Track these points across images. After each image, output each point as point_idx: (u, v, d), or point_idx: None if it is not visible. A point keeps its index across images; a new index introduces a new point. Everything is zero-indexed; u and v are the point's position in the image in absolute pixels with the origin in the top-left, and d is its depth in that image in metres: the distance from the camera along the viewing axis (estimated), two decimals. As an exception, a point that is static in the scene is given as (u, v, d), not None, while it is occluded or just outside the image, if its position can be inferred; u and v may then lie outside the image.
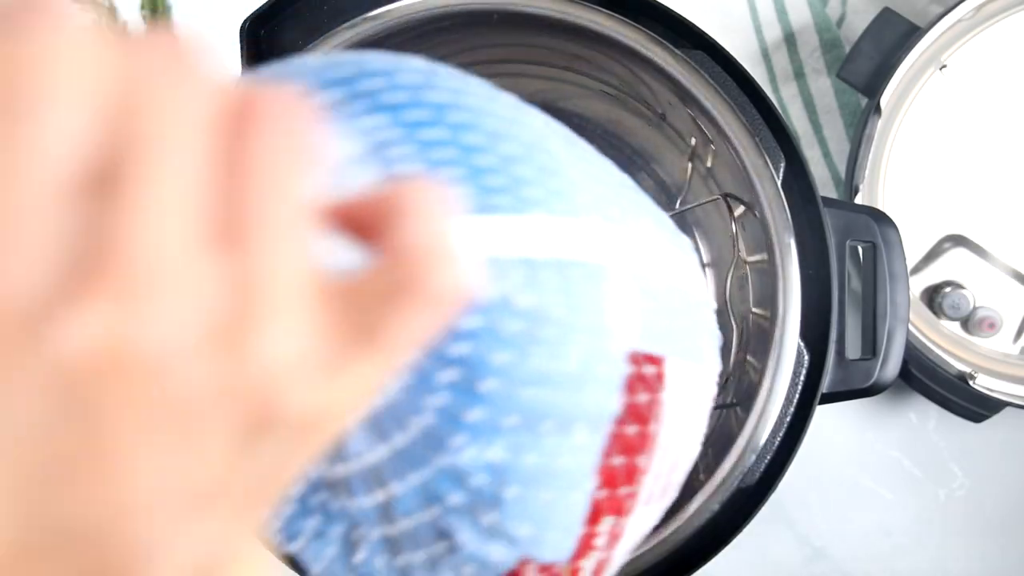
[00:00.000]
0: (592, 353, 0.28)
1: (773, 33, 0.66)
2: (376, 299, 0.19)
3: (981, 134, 0.60)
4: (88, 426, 0.16)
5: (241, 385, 0.17)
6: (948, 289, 0.60)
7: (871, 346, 0.49)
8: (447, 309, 0.19)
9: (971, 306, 0.60)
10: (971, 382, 0.59)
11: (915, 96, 0.60)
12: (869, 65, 0.59)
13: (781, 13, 0.66)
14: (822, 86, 0.66)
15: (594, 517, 0.30)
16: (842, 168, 0.66)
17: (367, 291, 0.19)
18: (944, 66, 0.59)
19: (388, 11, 0.48)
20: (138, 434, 0.16)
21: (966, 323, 0.61)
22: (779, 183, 0.47)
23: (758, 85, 0.48)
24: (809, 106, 0.66)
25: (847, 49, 0.65)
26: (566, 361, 0.28)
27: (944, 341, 0.60)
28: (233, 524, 0.19)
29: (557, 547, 0.30)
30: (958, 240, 0.60)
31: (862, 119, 0.60)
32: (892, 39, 0.59)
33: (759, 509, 0.46)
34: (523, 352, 0.27)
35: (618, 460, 0.30)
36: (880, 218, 0.49)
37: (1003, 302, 0.61)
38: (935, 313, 0.60)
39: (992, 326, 0.60)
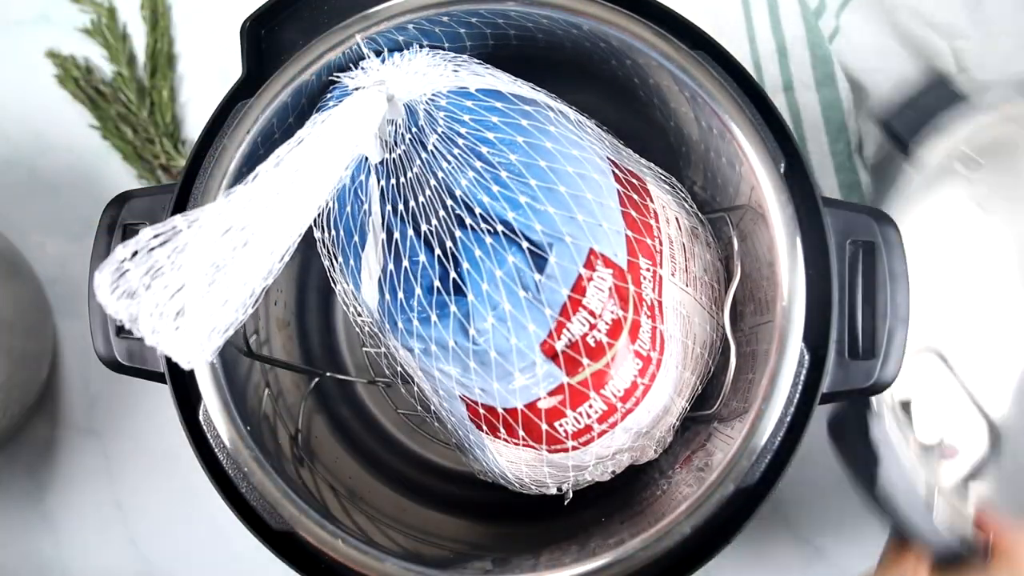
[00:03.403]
0: None
1: (767, 47, 0.67)
2: None
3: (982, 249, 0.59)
4: None
5: None
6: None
7: (871, 346, 0.49)
8: None
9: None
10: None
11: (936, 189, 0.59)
12: (917, 123, 0.57)
13: (775, 26, 0.67)
14: (809, 100, 0.67)
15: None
16: (823, 182, 0.66)
17: None
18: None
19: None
20: None
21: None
22: (784, 179, 0.47)
23: (758, 84, 0.48)
24: (796, 119, 0.67)
25: (836, 66, 0.65)
26: None
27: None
28: None
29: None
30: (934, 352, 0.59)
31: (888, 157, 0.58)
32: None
33: (759, 509, 0.46)
34: None
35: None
36: (880, 218, 0.49)
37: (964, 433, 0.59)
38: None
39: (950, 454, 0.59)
